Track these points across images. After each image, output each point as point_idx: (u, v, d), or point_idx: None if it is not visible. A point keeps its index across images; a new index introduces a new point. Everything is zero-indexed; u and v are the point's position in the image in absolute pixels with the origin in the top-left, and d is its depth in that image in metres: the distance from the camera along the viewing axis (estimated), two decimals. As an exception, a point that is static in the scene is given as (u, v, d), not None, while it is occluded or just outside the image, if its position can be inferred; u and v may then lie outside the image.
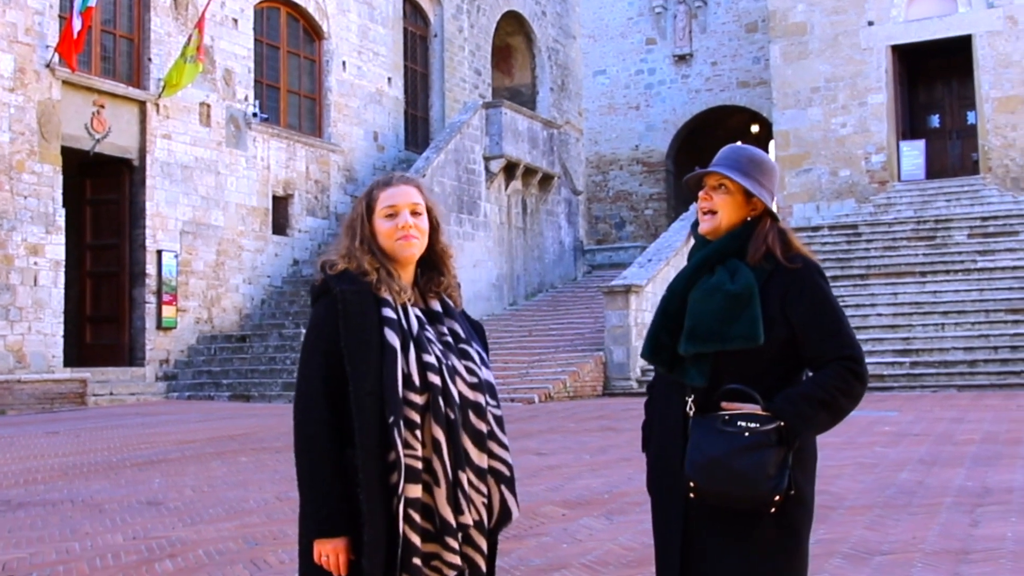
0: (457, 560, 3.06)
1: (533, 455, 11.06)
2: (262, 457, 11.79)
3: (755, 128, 38.64)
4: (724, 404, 3.14)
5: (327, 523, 3.00)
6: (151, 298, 21.61)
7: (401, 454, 2.98)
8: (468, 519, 3.07)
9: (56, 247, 19.97)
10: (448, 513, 3.04)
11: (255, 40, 24.74)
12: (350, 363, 3.02)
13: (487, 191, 27.27)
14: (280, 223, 25.15)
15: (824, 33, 29.98)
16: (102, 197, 21.92)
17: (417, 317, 3.17)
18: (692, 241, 3.49)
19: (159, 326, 21.76)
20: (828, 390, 3.11)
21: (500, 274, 27.85)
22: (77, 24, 19.16)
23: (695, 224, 3.43)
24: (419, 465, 3.02)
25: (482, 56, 32.59)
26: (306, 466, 3.05)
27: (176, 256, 22.08)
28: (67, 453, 12.54)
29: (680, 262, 22.76)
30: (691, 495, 3.16)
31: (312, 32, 26.66)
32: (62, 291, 20.09)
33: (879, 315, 23.02)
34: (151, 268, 21.58)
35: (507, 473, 3.19)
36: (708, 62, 38.15)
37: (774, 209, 3.34)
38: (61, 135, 20.16)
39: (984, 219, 26.33)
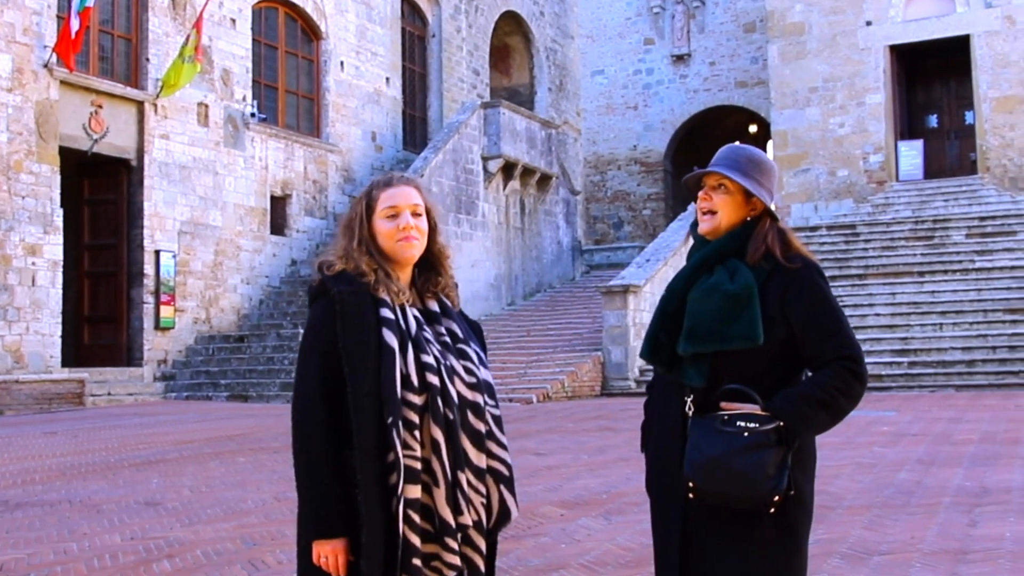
0: (456, 560, 3.06)
1: (531, 455, 11.06)
2: (260, 457, 11.78)
3: (753, 128, 38.66)
4: (723, 404, 3.14)
5: (326, 524, 3.00)
6: (149, 298, 21.61)
7: (400, 455, 2.97)
8: (467, 519, 3.07)
9: (54, 247, 19.96)
10: (447, 513, 3.03)
11: (253, 40, 24.73)
12: (348, 364, 3.01)
13: (485, 191, 27.27)
14: (278, 223, 25.14)
15: (822, 33, 29.99)
16: (100, 197, 21.91)
17: (415, 317, 3.16)
18: (691, 241, 3.48)
19: (157, 326, 21.75)
20: (827, 390, 3.10)
21: (498, 274, 27.84)
22: (75, 24, 19.15)
23: (694, 224, 3.42)
24: (418, 466, 3.01)
25: (480, 56, 32.58)
26: (304, 467, 3.05)
27: (174, 256, 22.07)
28: (65, 453, 12.53)
29: (678, 262, 22.77)
30: (690, 495, 3.15)
31: (310, 32, 26.65)
32: (60, 291, 20.08)
33: (877, 315, 23.02)
34: (149, 268, 21.57)
35: (506, 473, 3.18)
36: (706, 62, 38.18)
37: (773, 209, 3.34)
38: (59, 135, 20.14)
39: (982, 219, 26.34)
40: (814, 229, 27.85)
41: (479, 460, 3.12)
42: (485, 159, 27.16)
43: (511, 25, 34.57)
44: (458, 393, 3.11)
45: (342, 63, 27.13)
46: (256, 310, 24.14)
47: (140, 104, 21.73)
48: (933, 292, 23.63)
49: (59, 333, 20.01)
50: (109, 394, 20.50)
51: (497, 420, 3.20)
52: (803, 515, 3.19)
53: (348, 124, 27.27)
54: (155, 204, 21.82)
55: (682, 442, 3.20)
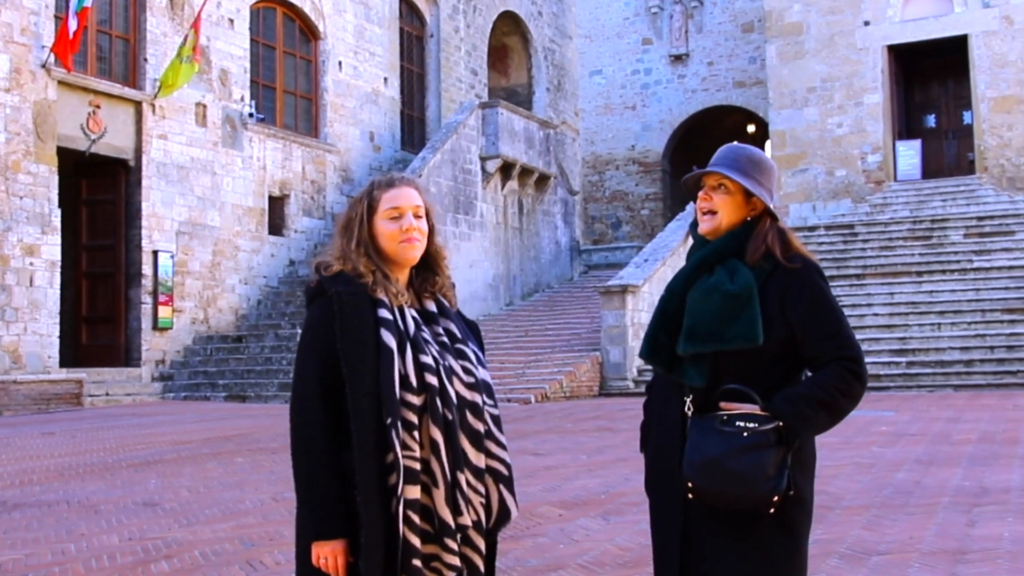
0: (456, 561, 3.05)
1: (530, 455, 11.05)
2: (258, 458, 11.77)
3: (751, 128, 38.67)
4: (723, 404, 3.13)
5: (325, 525, 2.99)
6: (147, 299, 21.59)
7: (399, 455, 2.97)
8: (467, 520, 3.06)
9: (52, 247, 19.94)
10: (447, 514, 3.03)
11: (251, 40, 24.72)
12: (347, 365, 3.00)
13: (483, 191, 27.26)
14: (276, 223, 25.13)
15: (820, 33, 30.00)
16: (98, 197, 21.90)
17: (413, 318, 3.15)
18: (690, 241, 3.47)
19: (155, 327, 21.74)
20: (827, 390, 3.09)
21: (496, 274, 27.84)
22: (73, 24, 19.14)
23: (694, 223, 3.41)
24: (417, 466, 3.01)
25: (478, 56, 32.58)
26: (303, 468, 3.04)
27: (172, 256, 22.05)
28: (63, 454, 12.52)
29: (676, 262, 22.77)
30: (690, 496, 3.14)
31: (308, 32, 26.64)
32: (58, 292, 20.07)
33: (875, 315, 23.03)
34: (147, 269, 21.56)
35: (505, 472, 3.18)
36: (704, 62, 38.19)
37: (773, 209, 3.33)
38: (57, 135, 20.13)
39: (980, 219, 26.34)
40: (812, 229, 27.85)
41: (478, 460, 3.12)
42: (483, 159, 27.16)
43: (509, 25, 34.57)
44: (456, 393, 3.11)
45: (340, 63, 27.11)
46: (254, 310, 24.13)
47: (138, 104, 21.72)
48: (931, 292, 23.63)
49: (57, 333, 20.00)
50: (107, 394, 20.48)
51: (496, 420, 3.20)
52: (803, 515, 3.18)
53: (346, 124, 27.26)
54: (153, 204, 21.81)
55: (681, 442, 3.19)
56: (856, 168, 29.61)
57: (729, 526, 3.13)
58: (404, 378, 3.02)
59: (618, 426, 14.37)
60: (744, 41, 37.54)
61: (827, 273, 23.42)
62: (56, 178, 20.09)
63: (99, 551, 7.01)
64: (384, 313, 3.07)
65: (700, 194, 3.36)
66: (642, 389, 20.68)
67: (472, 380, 3.16)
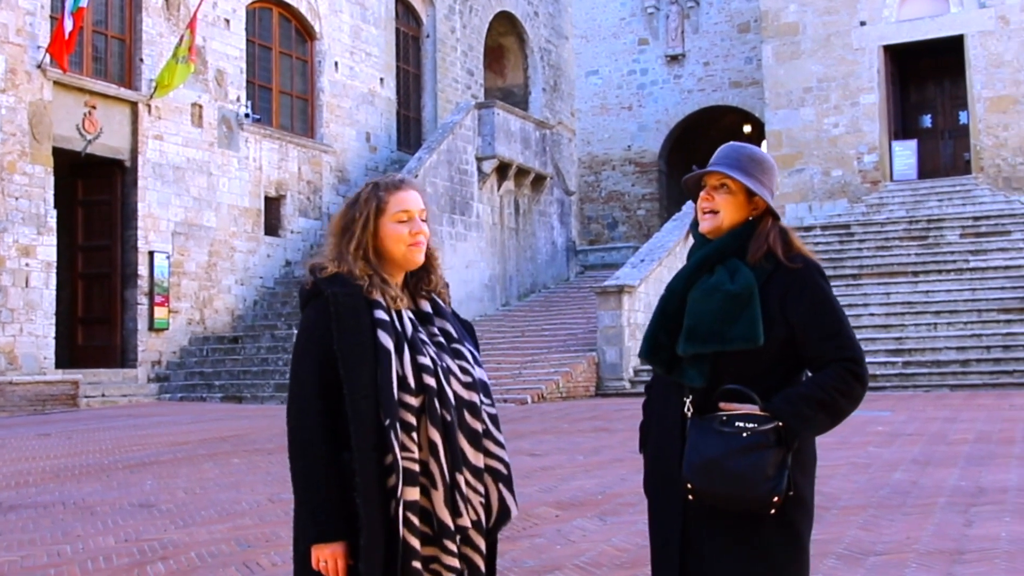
0: (456, 563, 3.05)
1: (526, 456, 11.06)
2: (254, 459, 11.76)
3: (747, 128, 38.69)
4: (722, 405, 3.11)
5: (325, 528, 2.98)
6: (143, 299, 21.57)
7: (398, 457, 2.96)
8: (466, 521, 3.05)
9: (48, 248, 19.91)
10: (446, 515, 3.02)
11: (247, 41, 24.69)
12: (344, 366, 2.99)
13: (479, 192, 27.25)
14: (272, 224, 25.11)
15: (816, 33, 30.01)
16: (94, 198, 21.87)
17: (410, 319, 3.14)
18: (691, 240, 3.45)
19: (151, 327, 21.71)
20: (828, 391, 3.08)
21: (493, 275, 27.83)
22: (68, 25, 19.11)
23: (695, 223, 3.39)
24: (416, 468, 3.00)
25: (474, 57, 32.57)
26: (302, 471, 3.03)
27: (168, 257, 22.03)
28: (59, 455, 12.50)
29: (673, 262, 22.79)
30: (689, 497, 3.13)
31: (304, 33, 26.62)
32: (54, 292, 20.03)
33: (871, 315, 23.04)
34: (143, 269, 21.53)
35: (504, 471, 3.17)
36: (700, 62, 38.19)
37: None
38: (52, 136, 20.10)
39: (976, 219, 26.36)
40: (808, 229, 27.85)
41: (477, 459, 3.11)
42: (479, 159, 27.16)
43: (505, 25, 34.56)
44: (454, 393, 3.10)
45: (336, 63, 27.10)
46: (250, 311, 24.11)
47: (134, 105, 21.69)
48: (927, 292, 23.65)
49: (53, 334, 19.97)
50: (103, 395, 20.46)
51: (494, 419, 3.19)
52: (804, 516, 3.16)
53: (342, 125, 27.25)
54: (149, 205, 21.78)
55: (681, 443, 3.18)
56: (852, 168, 29.63)
57: (729, 527, 3.12)
58: (402, 379, 3.01)
59: (615, 426, 14.37)
60: (740, 41, 37.55)
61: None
62: (52, 179, 20.06)
63: (95, 552, 7.00)
64: (381, 314, 3.06)
65: (702, 194, 3.34)
66: (638, 389, 20.68)
67: (469, 380, 3.15)
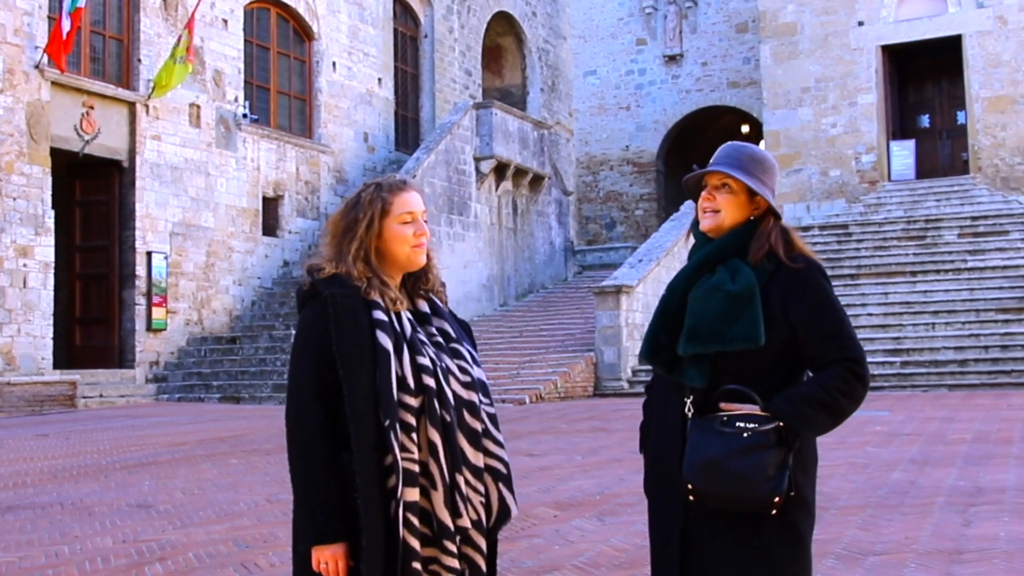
0: (455, 563, 3.04)
1: (524, 456, 11.05)
2: (252, 459, 11.75)
3: (745, 128, 38.68)
4: (723, 405, 3.10)
5: (325, 529, 2.97)
6: (141, 300, 21.55)
7: (398, 457, 2.95)
8: (466, 521, 3.05)
9: (45, 249, 19.90)
10: (446, 516, 3.01)
11: (245, 41, 24.68)
12: (343, 367, 2.98)
13: (477, 192, 27.25)
14: (270, 224, 25.09)
15: (814, 33, 30.02)
16: (91, 199, 21.85)
17: (408, 319, 3.14)
18: (691, 240, 3.43)
19: (149, 328, 21.70)
20: (829, 391, 3.07)
21: (490, 275, 27.83)
22: (66, 25, 19.09)
23: (695, 222, 3.37)
24: (416, 468, 2.99)
25: (472, 57, 32.56)
26: (301, 472, 3.02)
27: (166, 258, 22.01)
28: (57, 456, 12.49)
29: (671, 263, 22.79)
30: (690, 498, 3.11)
31: (302, 33, 26.61)
32: (51, 293, 20.02)
33: (869, 315, 23.04)
34: (141, 270, 21.52)
35: (504, 471, 3.17)
36: (698, 62, 38.17)
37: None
38: (50, 136, 20.09)
39: (974, 219, 26.36)
40: (806, 229, 27.83)
41: (476, 459, 3.10)
42: (477, 160, 27.15)
43: (503, 26, 34.56)
44: (453, 393, 3.09)
45: (334, 64, 27.09)
46: (248, 311, 24.10)
47: (132, 105, 21.67)
48: (925, 292, 23.65)
49: (51, 335, 19.95)
50: (101, 396, 20.44)
51: (492, 418, 3.19)
52: (805, 517, 3.15)
53: (340, 125, 27.24)
54: (147, 205, 21.76)
55: (682, 443, 3.17)
56: (850, 168, 29.64)
57: (730, 528, 3.10)
58: (401, 380, 3.01)
59: (613, 427, 14.36)
60: (738, 41, 37.53)
61: (821, 273, 23.38)
62: (49, 179, 20.04)
63: (93, 553, 6.99)
64: (379, 315, 3.05)
65: (703, 194, 3.32)
66: (636, 390, 20.69)
67: (468, 379, 3.15)
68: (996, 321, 21.77)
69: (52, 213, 20.06)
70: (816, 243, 26.80)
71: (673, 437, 3.22)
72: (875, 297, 23.86)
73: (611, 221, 39.72)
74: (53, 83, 20.10)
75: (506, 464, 3.18)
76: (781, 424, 3.04)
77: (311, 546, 2.99)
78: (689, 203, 26.81)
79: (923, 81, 31.21)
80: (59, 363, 20.47)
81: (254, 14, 25.25)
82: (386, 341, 3.02)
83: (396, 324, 3.08)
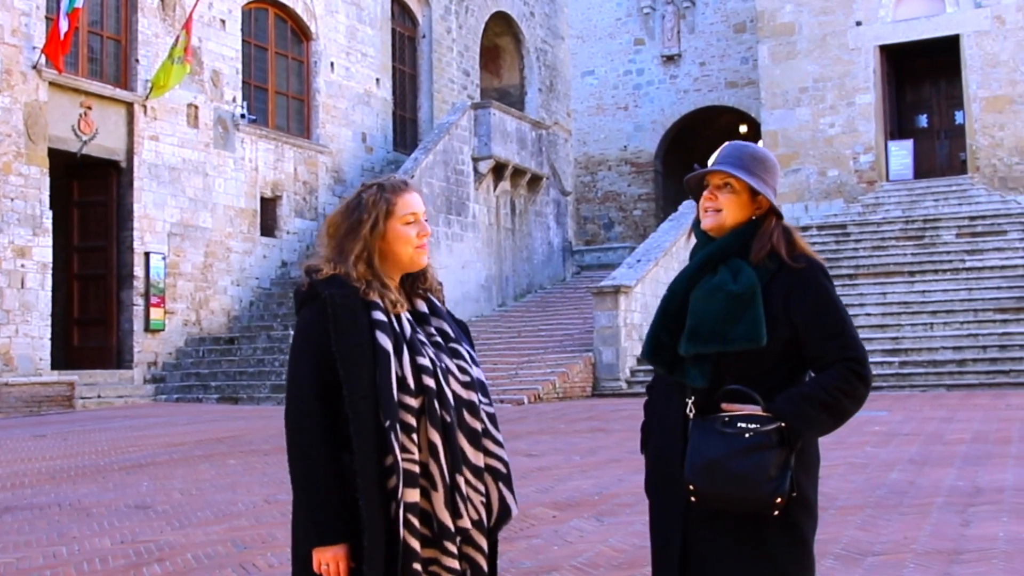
0: (456, 564, 3.03)
1: (523, 456, 11.05)
2: (251, 460, 11.74)
3: (743, 128, 38.67)
4: (724, 405, 3.09)
5: (326, 530, 2.96)
6: (139, 300, 21.54)
7: (399, 458, 2.94)
8: (466, 522, 3.04)
9: (43, 249, 19.88)
10: (446, 517, 3.01)
11: (243, 41, 24.67)
12: (343, 367, 2.97)
13: (476, 192, 27.24)
14: (268, 224, 25.08)
15: (812, 33, 30.02)
16: (89, 199, 21.84)
17: (408, 320, 3.13)
18: (693, 240, 3.41)
19: (147, 328, 21.68)
20: (830, 391, 3.05)
21: (489, 275, 27.82)
22: (64, 25, 19.07)
23: (697, 222, 3.36)
24: (416, 469, 2.98)
25: (470, 57, 32.56)
26: (302, 473, 3.01)
27: (164, 258, 22.00)
28: (54, 456, 12.48)
29: (669, 263, 22.79)
30: (692, 499, 3.10)
31: (300, 33, 26.60)
32: (49, 293, 20.00)
33: (868, 315, 23.04)
34: (139, 270, 21.51)
35: (504, 470, 3.16)
36: (696, 62, 38.17)
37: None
38: (48, 137, 20.07)
39: (972, 219, 26.37)
40: (804, 229, 27.81)
41: (477, 459, 3.10)
42: (475, 160, 27.14)
43: (501, 26, 34.56)
44: (453, 393, 3.08)
45: (332, 64, 27.08)
46: (246, 312, 24.09)
47: (130, 105, 21.66)
48: (923, 292, 23.66)
49: (48, 335, 19.94)
50: (99, 396, 20.43)
51: (492, 418, 3.18)
52: (808, 517, 3.13)
53: (338, 125, 27.23)
54: (145, 206, 21.75)
55: (683, 444, 3.15)
56: (848, 168, 29.64)
57: (732, 529, 3.09)
58: (401, 380, 3.00)
59: (611, 427, 14.36)
60: (736, 41, 37.53)
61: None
62: (47, 180, 20.03)
63: (91, 554, 6.98)
64: (379, 315, 3.04)
65: (705, 193, 3.31)
66: (635, 390, 20.69)
67: (468, 379, 3.14)
68: (994, 321, 21.77)
69: (50, 213, 20.04)
70: (814, 243, 26.77)
71: (674, 438, 3.20)
72: (873, 297, 23.87)
73: (609, 221, 39.71)
74: (51, 83, 20.08)
75: (506, 464, 3.17)
76: (783, 424, 3.03)
77: (312, 547, 2.98)
78: (687, 203, 26.85)
79: (921, 81, 31.21)
80: (57, 364, 20.46)
81: (252, 14, 25.24)
82: (386, 342, 3.01)
83: (395, 324, 3.07)
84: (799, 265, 3.17)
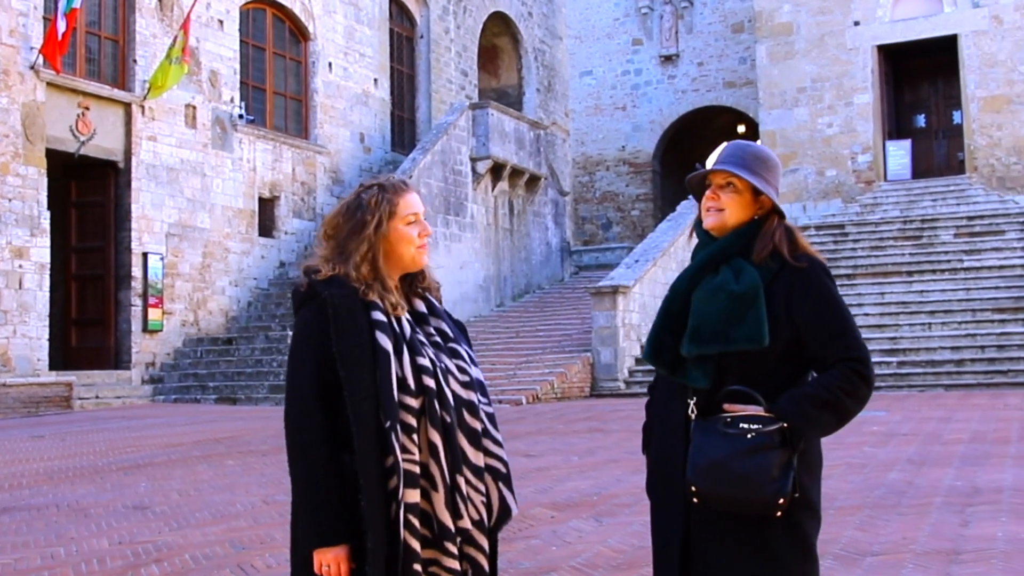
0: (456, 565, 3.03)
1: (521, 457, 11.04)
2: (249, 460, 11.73)
3: (741, 128, 38.68)
4: (726, 406, 3.08)
5: (328, 532, 2.95)
6: (137, 301, 21.53)
7: (399, 459, 2.94)
8: (467, 522, 3.04)
9: (41, 250, 19.87)
10: (446, 518, 3.00)
11: (241, 41, 24.66)
12: (344, 368, 2.96)
13: (474, 192, 27.23)
14: (266, 225, 25.07)
15: (810, 33, 30.02)
16: (87, 199, 21.83)
17: (408, 320, 3.12)
18: (695, 239, 3.39)
19: (145, 329, 21.67)
20: (833, 391, 3.04)
21: (487, 275, 27.81)
22: (61, 26, 19.06)
23: (698, 222, 3.34)
24: (417, 470, 2.98)
25: (468, 57, 32.56)
26: (303, 474, 3.00)
27: (162, 258, 21.99)
28: (52, 457, 12.46)
29: (667, 263, 22.79)
30: (694, 500, 3.08)
31: (298, 33, 26.59)
32: (47, 294, 19.99)
33: (866, 315, 23.02)
34: (137, 271, 21.50)
35: (503, 470, 3.16)
36: (694, 62, 38.18)
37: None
38: (46, 137, 20.06)
39: (970, 219, 26.38)
40: (803, 229, 27.74)
41: (477, 459, 3.09)
42: (473, 160, 27.13)
43: (499, 26, 34.55)
44: (453, 393, 3.08)
45: (330, 64, 27.07)
46: (244, 312, 24.08)
47: (127, 106, 21.65)
48: (922, 292, 23.66)
49: (46, 336, 19.92)
50: (97, 397, 20.41)
51: (491, 418, 3.18)
52: (811, 518, 3.12)
53: (336, 125, 27.22)
54: (143, 206, 21.74)
55: (685, 445, 3.14)
56: (846, 168, 29.65)
57: (734, 530, 3.08)
58: (402, 381, 2.99)
59: (609, 427, 14.35)
60: (734, 41, 37.55)
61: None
62: (45, 180, 20.02)
63: (89, 555, 6.98)
64: (378, 315, 3.04)
65: (707, 193, 3.29)
66: (633, 390, 20.69)
67: (467, 379, 3.14)
68: (992, 321, 21.77)
69: (48, 214, 20.03)
70: (812, 243, 26.46)
71: (676, 439, 3.19)
72: (871, 297, 23.87)
73: (607, 221, 39.71)
74: (49, 84, 20.07)
75: (505, 464, 3.17)
76: (785, 425, 3.01)
77: (313, 549, 2.97)
78: (685, 203, 26.85)
79: (919, 81, 31.21)
80: (55, 364, 20.44)
81: (250, 15, 25.23)
82: (385, 342, 3.00)
83: (395, 325, 3.06)
84: (801, 264, 3.15)
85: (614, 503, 8.25)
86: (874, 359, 18.20)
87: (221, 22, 23.96)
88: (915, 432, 12.59)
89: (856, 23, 29.56)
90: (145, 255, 21.63)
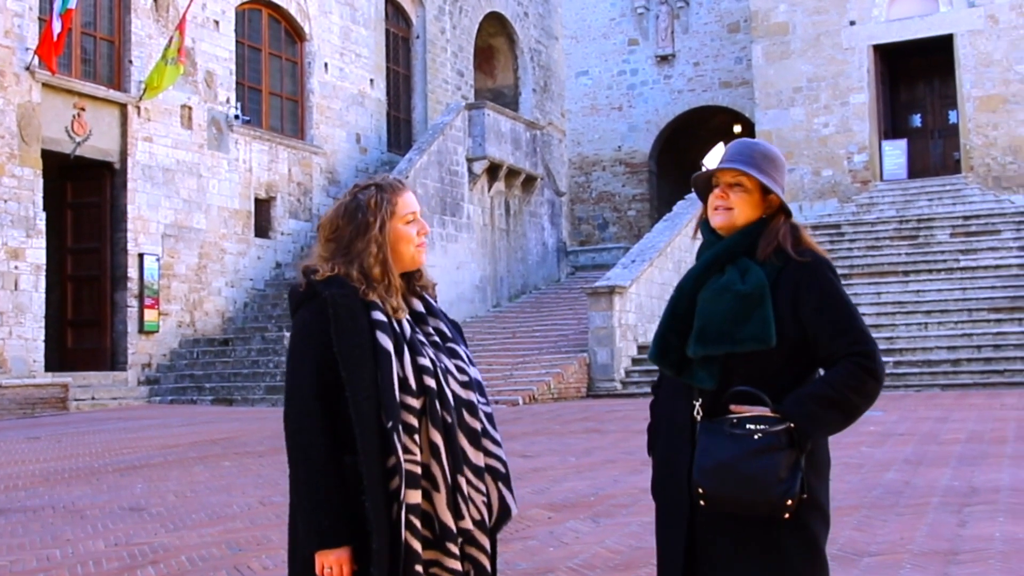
0: (457, 565, 3.02)
1: (518, 457, 11.02)
2: (245, 461, 11.72)
3: (737, 128, 38.72)
4: (732, 407, 3.05)
5: (330, 533, 2.93)
6: (133, 302, 21.50)
7: (401, 459, 2.93)
8: (468, 523, 3.03)
9: (37, 251, 19.84)
10: (448, 518, 2.99)
11: (236, 42, 24.64)
12: (345, 368, 2.95)
13: (470, 193, 27.22)
14: (262, 226, 25.05)
15: (806, 33, 30.05)
16: (83, 200, 21.80)
17: (408, 320, 3.11)
18: (700, 238, 3.37)
19: (141, 330, 21.64)
20: (838, 388, 3.01)
21: (483, 276, 27.80)
22: (57, 26, 19.04)
23: (704, 220, 3.32)
24: (418, 470, 2.97)
25: (464, 57, 32.54)
26: (304, 476, 2.98)
27: (158, 259, 21.96)
28: (48, 459, 12.44)
29: (664, 263, 22.79)
30: (701, 502, 3.06)
31: (294, 34, 26.57)
32: (43, 295, 19.96)
33: (863, 315, 22.92)
34: (133, 272, 21.47)
35: (503, 470, 3.15)
36: (690, 62, 38.20)
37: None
38: (41, 138, 20.03)
39: (966, 218, 26.40)
40: (800, 229, 27.78)
41: (477, 459, 3.08)
42: (470, 160, 27.12)
43: (495, 26, 34.54)
44: (453, 393, 3.07)
45: (326, 65, 27.05)
46: (241, 313, 24.05)
47: (123, 107, 21.63)
48: (918, 291, 23.68)
49: (42, 337, 19.89)
50: (93, 398, 20.38)
51: (490, 417, 3.17)
52: (820, 520, 3.10)
53: (332, 126, 27.20)
54: (139, 207, 21.72)
55: (691, 446, 3.11)
56: (842, 168, 29.67)
57: (741, 532, 3.05)
58: (403, 381, 2.98)
59: (606, 428, 14.35)
60: (730, 41, 37.56)
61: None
62: (41, 181, 19.98)
63: (85, 557, 6.96)
64: (378, 315, 3.03)
65: (716, 192, 3.27)
66: (630, 391, 20.69)
67: (466, 379, 3.13)
68: (988, 321, 21.79)
69: (43, 215, 20.00)
70: (809, 243, 26.76)
71: (682, 440, 3.16)
72: (868, 297, 23.87)
73: (604, 222, 39.73)
74: (44, 85, 20.04)
75: (505, 464, 3.16)
76: (792, 425, 2.99)
77: (314, 551, 2.95)
78: (682, 203, 26.83)
79: (915, 80, 31.26)
80: (51, 365, 20.41)
81: (245, 15, 25.21)
82: (386, 342, 2.99)
83: (395, 325, 3.05)
84: (804, 259, 3.13)
85: (611, 504, 8.24)
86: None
87: (217, 23, 23.94)
88: (912, 432, 12.59)
89: (852, 23, 29.59)
90: (141, 256, 21.60)
